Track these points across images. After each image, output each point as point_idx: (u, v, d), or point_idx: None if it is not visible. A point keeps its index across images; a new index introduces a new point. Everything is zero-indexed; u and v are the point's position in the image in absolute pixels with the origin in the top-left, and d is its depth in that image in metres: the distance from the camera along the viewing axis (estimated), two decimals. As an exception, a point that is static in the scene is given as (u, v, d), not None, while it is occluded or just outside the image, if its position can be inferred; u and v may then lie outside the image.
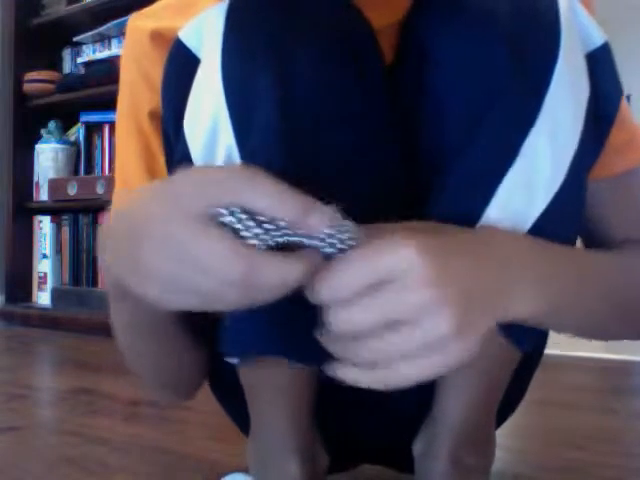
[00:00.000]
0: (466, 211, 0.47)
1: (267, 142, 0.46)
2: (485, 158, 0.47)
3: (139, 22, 0.61)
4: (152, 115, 0.60)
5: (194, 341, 0.57)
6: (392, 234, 0.39)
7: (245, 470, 0.65)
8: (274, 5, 0.47)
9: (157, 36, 0.58)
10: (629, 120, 0.58)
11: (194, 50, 0.50)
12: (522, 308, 0.44)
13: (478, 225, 0.47)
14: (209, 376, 0.65)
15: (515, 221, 0.47)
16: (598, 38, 0.51)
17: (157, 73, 0.57)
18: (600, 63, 0.51)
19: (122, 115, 0.62)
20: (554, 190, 0.47)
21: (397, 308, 0.38)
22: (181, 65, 0.50)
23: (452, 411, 0.57)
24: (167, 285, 0.38)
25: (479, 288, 0.41)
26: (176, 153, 0.51)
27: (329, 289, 0.38)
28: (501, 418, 0.66)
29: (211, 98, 0.47)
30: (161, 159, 0.59)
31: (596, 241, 0.59)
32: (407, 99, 0.50)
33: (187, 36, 0.50)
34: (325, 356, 0.51)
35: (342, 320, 0.38)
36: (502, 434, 0.68)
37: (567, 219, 0.50)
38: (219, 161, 0.47)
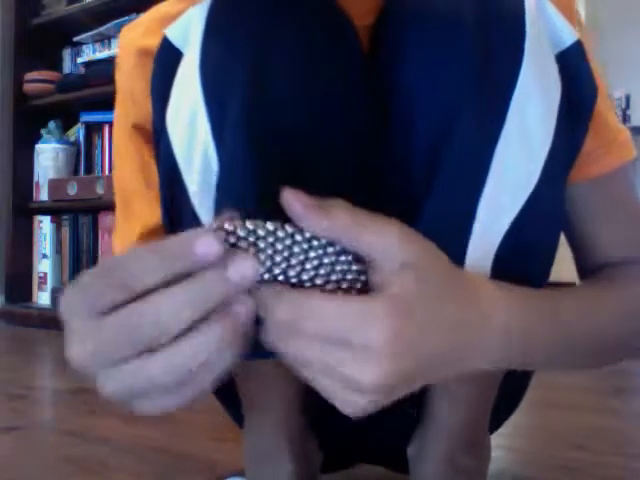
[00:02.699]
0: (455, 226, 0.46)
1: (238, 139, 0.45)
2: (460, 171, 0.46)
3: (130, 35, 0.61)
4: (135, 127, 0.60)
5: None
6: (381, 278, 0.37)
7: (243, 472, 0.65)
8: (255, 3, 0.47)
9: (143, 53, 0.58)
10: (608, 119, 0.56)
11: (179, 47, 0.50)
12: (481, 364, 0.43)
13: (466, 265, 0.45)
14: None
15: (491, 227, 0.46)
16: (569, 37, 0.50)
17: (140, 89, 0.57)
18: (572, 62, 0.50)
19: (117, 121, 0.63)
20: (527, 192, 0.47)
21: (342, 368, 0.36)
22: (167, 61, 0.51)
23: (445, 413, 0.57)
24: None
25: (434, 356, 0.39)
26: (160, 149, 0.51)
27: (291, 316, 0.36)
28: (499, 421, 0.66)
29: (190, 94, 0.47)
30: (153, 166, 0.60)
31: (582, 254, 0.58)
32: (380, 100, 0.50)
33: (173, 33, 0.51)
34: None
35: (288, 345, 0.36)
36: (502, 434, 0.68)
37: (544, 221, 0.49)
38: (197, 157, 0.47)
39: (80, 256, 2.52)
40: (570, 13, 0.52)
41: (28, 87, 2.58)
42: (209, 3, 0.48)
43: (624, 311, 0.53)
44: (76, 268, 2.53)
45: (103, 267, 0.36)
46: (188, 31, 0.49)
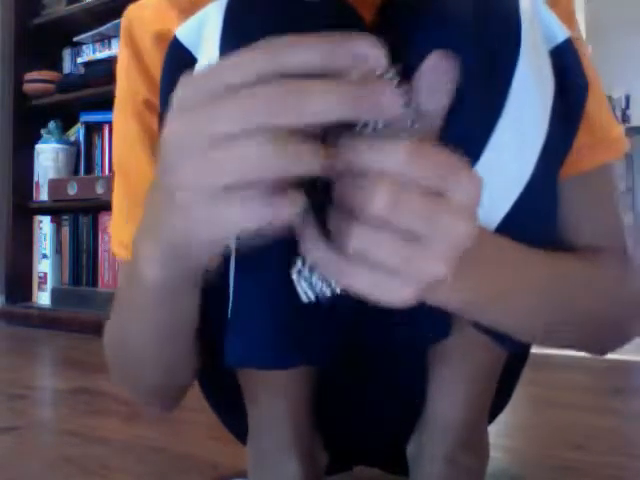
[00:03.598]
0: None
1: None
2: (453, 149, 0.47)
3: (137, 13, 0.59)
4: (147, 103, 0.58)
5: (195, 348, 0.56)
6: None
7: (245, 473, 0.65)
8: (271, 4, 0.47)
9: (162, 38, 0.57)
10: (602, 115, 0.56)
11: (191, 49, 0.50)
12: (441, 294, 0.41)
13: None
14: (203, 384, 0.65)
15: (481, 217, 0.46)
16: (561, 34, 0.51)
17: (159, 72, 0.57)
18: (564, 58, 0.51)
19: (121, 107, 0.61)
20: (521, 186, 0.47)
21: (433, 219, 0.33)
22: (178, 64, 0.50)
23: (444, 412, 0.57)
24: None
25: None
26: None
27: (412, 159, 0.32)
28: (490, 418, 0.66)
29: None
30: None
31: (562, 244, 0.57)
32: None
33: (184, 35, 0.50)
34: (328, 355, 0.51)
35: (387, 196, 0.32)
36: (501, 434, 0.68)
37: (538, 216, 0.50)
38: None
39: (80, 256, 2.52)
40: (568, 15, 0.53)
41: (28, 87, 2.58)
42: (224, 5, 0.47)
43: (598, 286, 0.53)
44: (76, 268, 2.53)
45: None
46: (200, 34, 0.49)
